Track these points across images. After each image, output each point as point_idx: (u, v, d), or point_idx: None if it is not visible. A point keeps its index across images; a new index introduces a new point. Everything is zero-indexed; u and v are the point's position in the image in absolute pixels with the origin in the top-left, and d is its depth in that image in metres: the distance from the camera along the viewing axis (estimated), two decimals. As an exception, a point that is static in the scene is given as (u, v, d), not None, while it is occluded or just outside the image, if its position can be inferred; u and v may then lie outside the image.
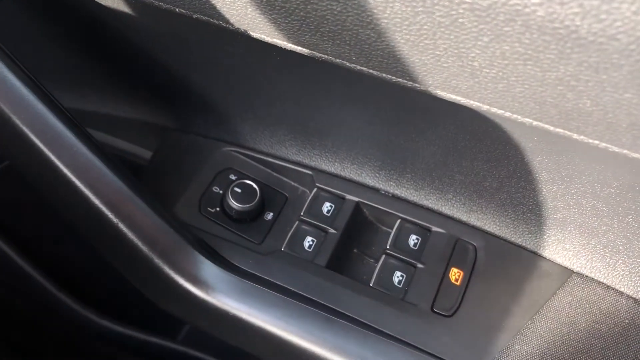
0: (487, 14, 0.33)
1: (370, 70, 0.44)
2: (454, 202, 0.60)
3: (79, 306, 0.89)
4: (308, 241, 0.59)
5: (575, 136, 0.39)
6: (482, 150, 0.52)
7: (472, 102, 0.42)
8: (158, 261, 0.53)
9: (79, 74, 0.77)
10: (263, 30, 0.45)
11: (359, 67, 0.44)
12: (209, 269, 0.55)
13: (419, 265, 0.58)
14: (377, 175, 0.62)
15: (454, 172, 0.57)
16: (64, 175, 0.51)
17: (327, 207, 0.61)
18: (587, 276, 0.55)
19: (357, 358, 0.52)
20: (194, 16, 0.48)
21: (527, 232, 0.57)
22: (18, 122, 0.50)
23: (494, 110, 0.41)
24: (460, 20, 0.35)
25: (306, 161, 0.65)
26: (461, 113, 0.45)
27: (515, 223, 0.57)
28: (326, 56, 0.45)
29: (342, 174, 0.64)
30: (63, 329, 0.92)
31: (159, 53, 0.63)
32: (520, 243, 0.58)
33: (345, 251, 0.60)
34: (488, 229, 0.59)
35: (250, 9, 0.44)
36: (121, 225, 0.52)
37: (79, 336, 0.93)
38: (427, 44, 0.38)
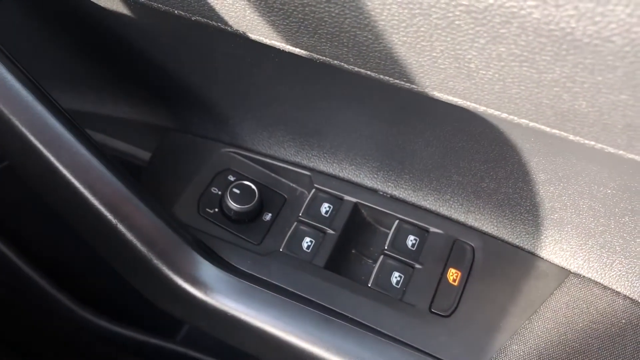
0: (484, 16, 0.33)
1: (368, 72, 0.44)
2: (451, 202, 0.60)
3: (78, 306, 0.89)
4: (306, 242, 0.59)
5: (571, 137, 0.40)
6: (479, 151, 0.52)
7: (469, 103, 0.42)
8: (157, 262, 0.53)
9: (78, 75, 0.77)
10: (261, 32, 0.46)
11: (356, 69, 0.44)
12: (207, 270, 0.55)
13: (417, 266, 0.58)
14: (375, 176, 0.62)
15: (452, 173, 0.57)
16: (63, 176, 0.51)
17: (325, 207, 0.62)
18: (584, 276, 0.55)
19: (356, 358, 0.52)
20: (193, 18, 0.48)
21: (524, 233, 0.58)
22: (17, 123, 0.50)
23: (490, 111, 0.41)
24: (457, 22, 0.35)
25: (304, 162, 0.65)
26: (458, 114, 0.46)
27: (512, 224, 0.58)
28: (324, 58, 0.45)
29: (341, 174, 0.64)
30: (62, 329, 0.92)
31: (157, 54, 0.63)
32: (517, 243, 0.58)
33: (343, 252, 0.60)
34: (486, 230, 0.59)
35: (248, 11, 0.44)
36: (120, 226, 0.52)
37: (78, 336, 0.93)
38: (424, 45, 0.38)
